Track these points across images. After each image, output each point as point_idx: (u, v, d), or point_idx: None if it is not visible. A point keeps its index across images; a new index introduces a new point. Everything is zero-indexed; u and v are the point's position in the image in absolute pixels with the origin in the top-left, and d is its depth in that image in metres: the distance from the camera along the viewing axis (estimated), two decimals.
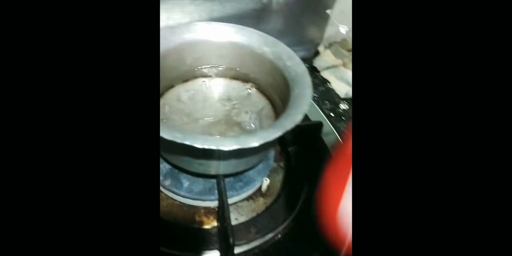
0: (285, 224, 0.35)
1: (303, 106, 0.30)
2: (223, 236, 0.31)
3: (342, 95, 0.54)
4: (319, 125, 0.40)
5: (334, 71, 0.56)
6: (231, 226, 0.30)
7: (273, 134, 0.27)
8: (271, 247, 0.34)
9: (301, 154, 0.42)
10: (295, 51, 0.53)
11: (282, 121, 0.29)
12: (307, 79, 0.32)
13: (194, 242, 0.32)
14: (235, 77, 0.40)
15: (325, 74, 0.57)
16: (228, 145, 0.26)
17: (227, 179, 0.35)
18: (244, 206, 0.37)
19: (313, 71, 0.58)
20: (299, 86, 0.32)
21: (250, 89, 0.39)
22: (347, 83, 0.54)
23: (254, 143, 0.26)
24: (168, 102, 0.37)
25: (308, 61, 0.59)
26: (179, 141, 0.26)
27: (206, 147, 0.26)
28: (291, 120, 0.29)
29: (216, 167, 0.32)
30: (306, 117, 0.47)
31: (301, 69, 0.34)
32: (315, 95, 0.53)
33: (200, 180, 0.35)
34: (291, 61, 0.35)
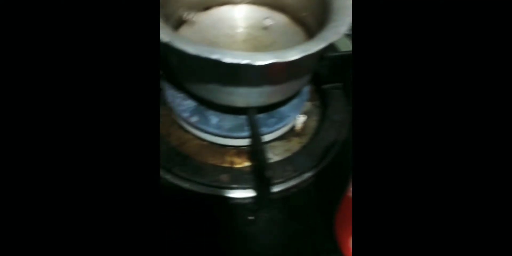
0: (325, 163, 0.32)
1: (347, 16, 0.25)
2: (258, 171, 0.28)
3: None
4: None
5: None
6: (266, 157, 0.27)
7: (316, 46, 0.23)
8: (310, 186, 0.31)
9: (337, 91, 0.37)
10: None
11: (324, 34, 0.24)
12: None
13: (226, 180, 0.30)
14: (262, 3, 0.35)
15: None
16: (264, 59, 0.22)
17: (258, 116, 0.32)
18: (278, 146, 0.33)
19: None
20: None
21: (281, 15, 0.34)
22: None
23: (295, 56, 0.22)
24: (187, 34, 0.33)
25: None
26: (205, 55, 0.22)
27: (239, 61, 0.22)
28: (335, 31, 0.24)
29: (246, 96, 0.28)
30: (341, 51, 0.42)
31: None
32: None
33: (230, 116, 0.32)
34: None
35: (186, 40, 0.23)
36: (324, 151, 0.32)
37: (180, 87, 0.32)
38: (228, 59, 0.22)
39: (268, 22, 0.34)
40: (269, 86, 0.27)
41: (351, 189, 0.23)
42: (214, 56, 0.22)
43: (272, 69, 0.25)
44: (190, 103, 0.32)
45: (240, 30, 0.34)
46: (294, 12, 0.33)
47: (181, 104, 0.32)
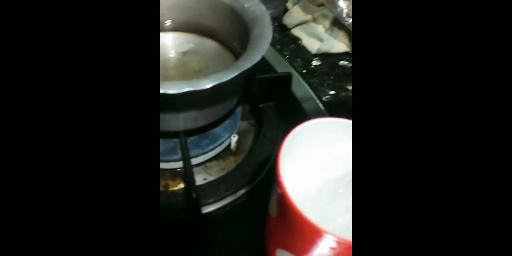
0: (257, 180, 0.33)
1: (262, 45, 0.27)
2: (188, 194, 0.28)
3: (313, 51, 0.51)
4: (288, 76, 0.37)
5: (305, 28, 0.53)
6: (193, 180, 0.28)
7: (229, 75, 0.25)
8: (243, 203, 0.32)
9: (271, 110, 0.39)
10: None
11: (240, 62, 0.26)
12: (266, 19, 0.30)
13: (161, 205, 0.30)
14: (191, 29, 0.36)
15: (295, 32, 0.54)
16: (177, 88, 0.23)
17: (191, 138, 0.33)
18: (213, 165, 0.34)
19: (283, 30, 0.54)
20: (258, 26, 0.29)
21: (209, 40, 0.36)
22: (318, 38, 0.51)
23: (207, 84, 0.24)
24: None
25: (278, 19, 0.55)
26: None
27: None
28: (249, 60, 0.26)
29: (174, 121, 0.29)
30: (276, 72, 0.44)
31: (260, 9, 0.31)
32: (286, 53, 0.51)
33: (162, 140, 0.32)
34: (249, 2, 0.31)
35: None
36: (257, 168, 0.34)
37: None
38: None
39: (196, 47, 0.36)
40: (194, 111, 0.28)
41: (270, 205, 0.25)
42: None
43: (193, 96, 0.27)
44: None
45: (170, 56, 0.35)
46: (222, 38, 0.35)
47: None
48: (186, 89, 0.23)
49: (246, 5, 0.31)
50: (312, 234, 0.19)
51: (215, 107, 0.29)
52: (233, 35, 0.34)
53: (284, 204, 0.20)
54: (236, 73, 0.25)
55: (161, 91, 0.23)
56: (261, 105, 0.39)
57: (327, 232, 0.18)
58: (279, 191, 0.20)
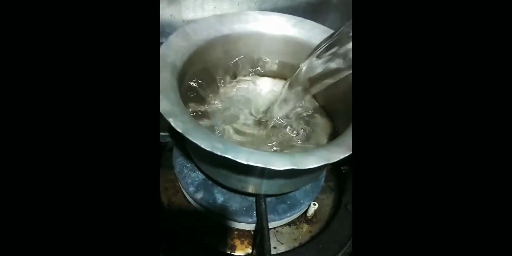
0: None
1: None
2: None
3: None
4: None
5: None
6: (269, 250, 0.25)
7: (337, 155, 0.21)
8: None
9: None
10: None
11: (347, 139, 0.23)
12: None
13: None
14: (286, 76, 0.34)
15: None
16: (279, 165, 0.20)
17: (268, 199, 0.30)
18: (285, 232, 0.31)
19: None
20: None
21: (302, 91, 0.33)
22: None
23: (312, 164, 0.20)
24: (220, 98, 0.32)
25: None
26: (219, 153, 0.20)
27: (251, 164, 0.20)
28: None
29: (258, 186, 0.26)
30: None
31: None
32: None
33: (237, 197, 0.30)
34: None
35: (201, 132, 0.21)
36: (336, 245, 0.29)
37: (189, 157, 0.31)
38: (241, 160, 0.20)
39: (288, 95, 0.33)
40: (283, 179, 0.25)
41: None
42: (227, 156, 0.20)
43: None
44: (197, 176, 0.31)
45: (262, 102, 0.33)
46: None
47: (188, 175, 0.31)
48: (288, 167, 0.20)
49: None
50: None
51: (304, 177, 0.26)
52: (330, 90, 0.30)
53: None
54: (346, 154, 0.21)
55: (259, 165, 0.20)
56: (344, 167, 0.35)
57: None
58: None
